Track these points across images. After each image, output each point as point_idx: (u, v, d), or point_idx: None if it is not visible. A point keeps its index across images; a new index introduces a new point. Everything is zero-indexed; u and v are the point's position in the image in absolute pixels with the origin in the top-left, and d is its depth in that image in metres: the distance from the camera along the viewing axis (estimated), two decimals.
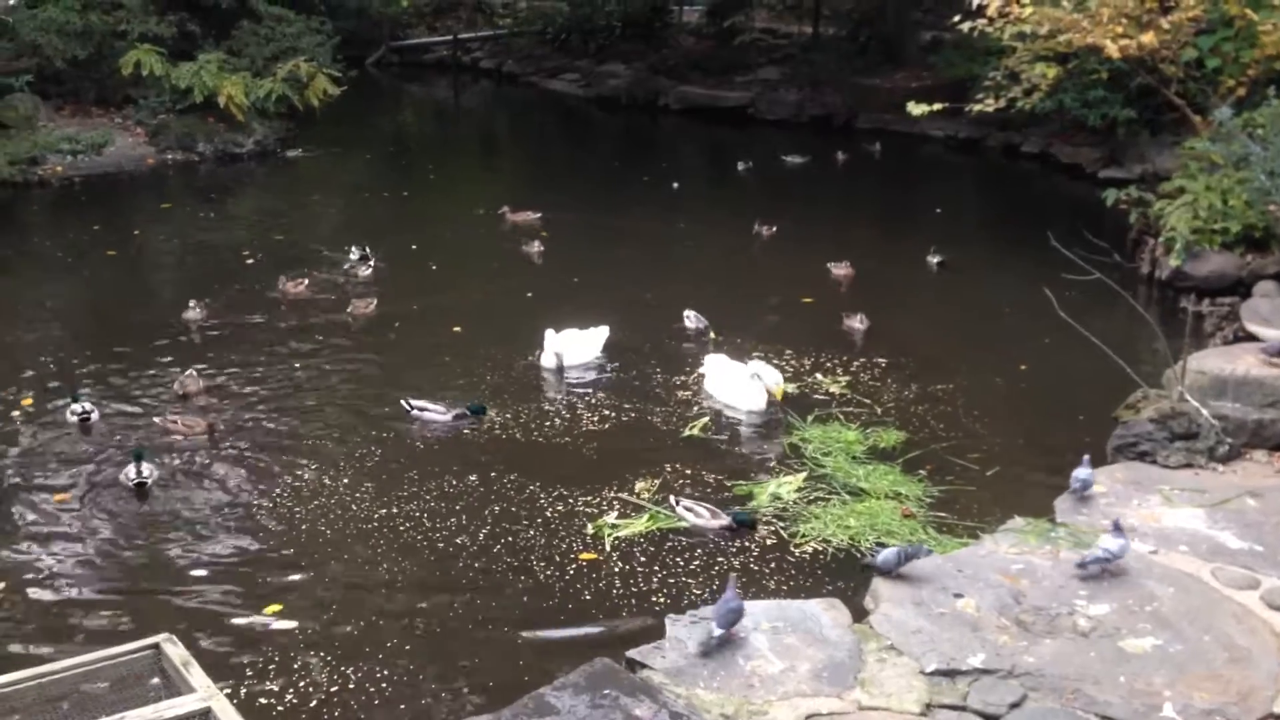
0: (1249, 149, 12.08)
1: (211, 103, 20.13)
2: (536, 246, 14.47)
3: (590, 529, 7.69)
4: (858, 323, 11.65)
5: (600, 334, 10.95)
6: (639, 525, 7.71)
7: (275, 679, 6.16)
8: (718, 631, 5.59)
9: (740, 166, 20.24)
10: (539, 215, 16.13)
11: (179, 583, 7.15)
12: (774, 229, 15.28)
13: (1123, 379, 8.65)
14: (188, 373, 10.01)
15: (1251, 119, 12.61)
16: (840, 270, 13.55)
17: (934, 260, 14.16)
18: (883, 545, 7.06)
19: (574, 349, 10.65)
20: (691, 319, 11.72)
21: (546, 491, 8.23)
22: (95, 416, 9.42)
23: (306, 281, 12.86)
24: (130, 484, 8.24)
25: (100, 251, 14.82)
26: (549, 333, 10.66)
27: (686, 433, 9.28)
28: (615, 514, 7.88)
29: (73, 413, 9.37)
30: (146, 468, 8.34)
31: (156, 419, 9.39)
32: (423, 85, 34.16)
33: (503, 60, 33.94)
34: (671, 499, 7.92)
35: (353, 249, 13.95)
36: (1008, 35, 13.18)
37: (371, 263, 13.65)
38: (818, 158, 21.40)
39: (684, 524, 7.73)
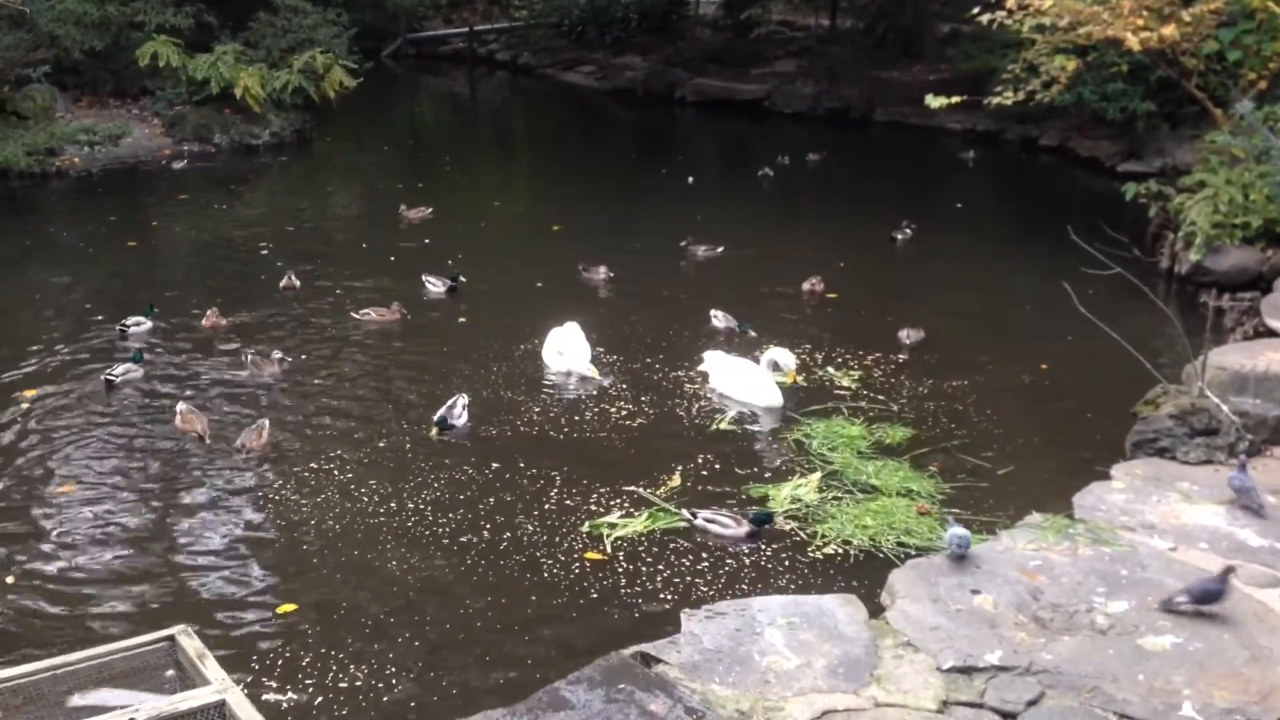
0: (1270, 143, 11.99)
1: (228, 94, 20.18)
2: (602, 274, 13.17)
3: (586, 527, 7.61)
4: (905, 337, 11.05)
5: (571, 330, 10.53)
6: (638, 525, 7.63)
7: (288, 673, 6.16)
8: (1180, 599, 5.78)
9: (761, 173, 19.33)
10: (430, 210, 15.89)
11: (193, 576, 7.15)
12: (717, 249, 14.10)
13: (1142, 374, 8.58)
14: (179, 407, 9.25)
15: (1273, 112, 12.51)
16: (811, 285, 12.65)
17: (899, 235, 14.56)
18: (903, 546, 7.15)
19: (580, 349, 10.37)
20: (720, 318, 11.48)
21: (559, 489, 8.19)
22: (145, 328, 11.07)
23: (215, 311, 11.56)
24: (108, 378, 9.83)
25: (119, 242, 14.85)
26: (554, 334, 10.51)
27: (714, 427, 9.22)
28: (619, 513, 7.79)
29: (123, 325, 11.09)
30: (123, 369, 9.97)
31: (180, 406, 9.21)
32: (439, 77, 34.18)
33: (519, 52, 33.93)
34: (685, 512, 7.73)
35: (431, 280, 12.77)
36: (1027, 28, 13.11)
37: (457, 288, 12.69)
38: (868, 152, 21.15)
39: (684, 524, 7.63)
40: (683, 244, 14.22)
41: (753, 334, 11.25)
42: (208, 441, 8.88)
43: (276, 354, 10.35)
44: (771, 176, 19.22)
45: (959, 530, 6.44)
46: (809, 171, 19.99)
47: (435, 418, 9.10)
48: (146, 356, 10.53)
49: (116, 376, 9.93)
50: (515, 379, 10.26)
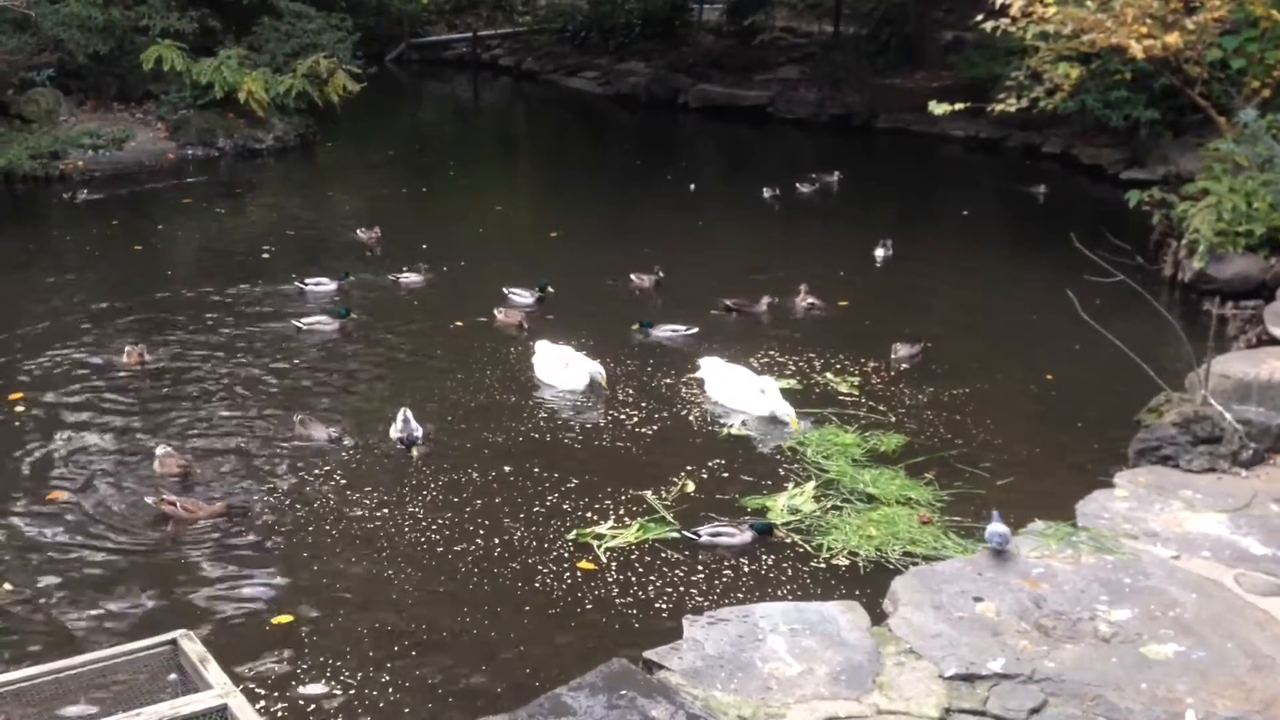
0: (1274, 150, 12.00)
1: (232, 99, 20.21)
2: (807, 300, 12.21)
3: (573, 535, 7.56)
4: (897, 353, 10.75)
5: (546, 347, 10.33)
6: (629, 535, 7.59)
7: (285, 681, 6.14)
8: None
9: (766, 193, 18.14)
10: (377, 231, 15.03)
11: (193, 583, 7.12)
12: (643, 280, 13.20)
13: (1145, 382, 8.57)
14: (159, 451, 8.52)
15: (1276, 120, 12.54)
16: (803, 300, 12.29)
17: (881, 253, 14.37)
18: (910, 556, 7.20)
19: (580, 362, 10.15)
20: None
21: (557, 497, 8.17)
22: (326, 288, 11.85)
23: (142, 348, 10.56)
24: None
25: (124, 246, 14.84)
26: (545, 352, 10.30)
27: (724, 434, 9.22)
28: (610, 522, 7.74)
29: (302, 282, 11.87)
30: (313, 319, 10.78)
31: (149, 499, 7.95)
32: (442, 82, 34.25)
33: (522, 57, 34.02)
34: (688, 533, 7.60)
35: (517, 291, 12.29)
36: (1030, 35, 13.10)
37: (545, 298, 12.25)
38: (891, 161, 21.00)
39: (674, 534, 7.59)
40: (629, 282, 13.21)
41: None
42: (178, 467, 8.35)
43: (333, 430, 9.01)
44: (778, 195, 18.33)
45: (998, 526, 6.52)
46: (797, 199, 18.48)
47: (403, 441, 8.76)
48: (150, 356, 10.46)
49: (303, 324, 10.33)
50: (509, 384, 10.22)
